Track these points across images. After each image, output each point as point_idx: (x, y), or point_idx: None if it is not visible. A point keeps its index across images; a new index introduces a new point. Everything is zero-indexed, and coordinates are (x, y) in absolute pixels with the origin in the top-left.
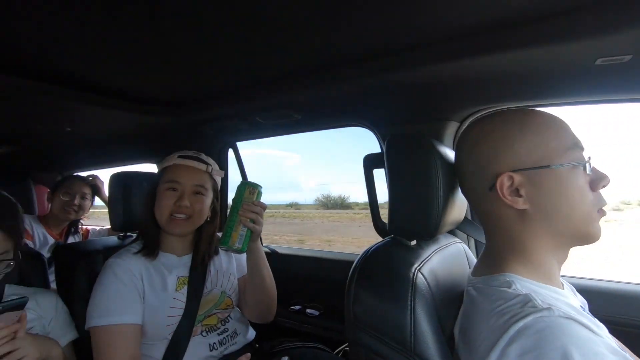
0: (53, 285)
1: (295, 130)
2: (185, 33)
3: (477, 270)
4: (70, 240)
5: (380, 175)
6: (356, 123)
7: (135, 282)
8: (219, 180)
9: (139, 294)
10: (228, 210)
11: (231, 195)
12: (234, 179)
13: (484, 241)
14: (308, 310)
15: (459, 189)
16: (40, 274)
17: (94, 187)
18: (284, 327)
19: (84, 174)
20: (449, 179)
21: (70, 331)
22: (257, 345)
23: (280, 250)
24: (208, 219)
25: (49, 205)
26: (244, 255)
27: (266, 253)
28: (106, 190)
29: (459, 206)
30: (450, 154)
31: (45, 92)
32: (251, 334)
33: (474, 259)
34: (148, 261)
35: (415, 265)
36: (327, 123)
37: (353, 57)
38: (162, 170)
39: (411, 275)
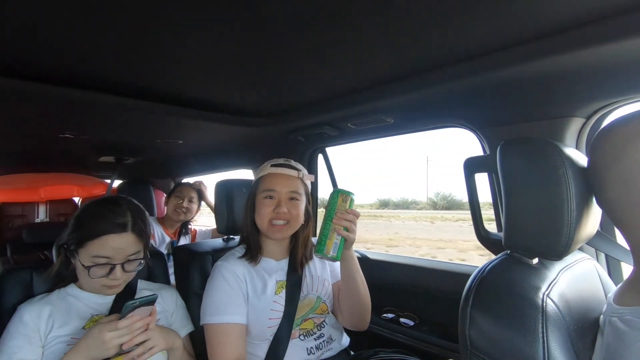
0: (171, 279)
1: (387, 134)
2: (283, 47)
3: (623, 298)
4: (182, 239)
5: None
6: (455, 124)
7: (241, 285)
8: (309, 184)
9: (243, 296)
10: (320, 217)
11: (321, 199)
12: (324, 184)
13: (620, 258)
14: (402, 320)
15: (593, 198)
16: (162, 271)
17: (199, 191)
18: (377, 335)
19: (192, 179)
20: (581, 187)
21: (187, 324)
22: (351, 353)
23: (370, 256)
24: (303, 223)
25: (165, 208)
26: (337, 262)
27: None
28: (209, 195)
29: (593, 218)
30: (578, 156)
31: (163, 111)
32: (345, 340)
33: (607, 279)
34: (251, 265)
35: (543, 290)
36: (421, 125)
37: (459, 56)
38: (257, 180)
39: (540, 301)
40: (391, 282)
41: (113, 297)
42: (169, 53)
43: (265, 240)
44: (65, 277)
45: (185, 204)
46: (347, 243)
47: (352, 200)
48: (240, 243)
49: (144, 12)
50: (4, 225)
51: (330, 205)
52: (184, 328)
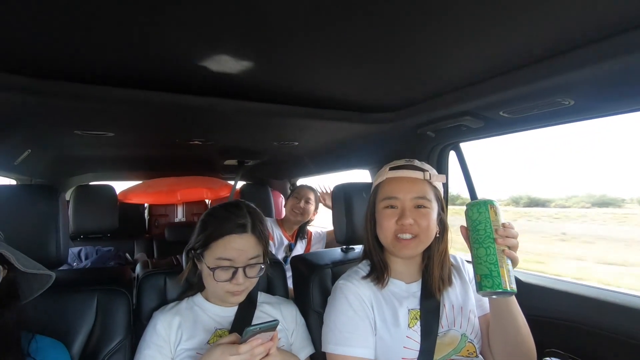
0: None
1: (558, 121)
2: (413, 26)
3: None
4: (299, 243)
5: None
6: None
7: (367, 311)
8: (440, 187)
9: (371, 325)
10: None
11: (454, 207)
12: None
13: None
14: None
15: None
16: (281, 283)
17: (316, 194)
18: None
19: (307, 180)
20: None
21: (308, 345)
22: None
23: (524, 279)
24: (437, 235)
25: (283, 210)
26: None
27: None
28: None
29: None
30: None
31: (282, 112)
32: None
33: None
34: (377, 288)
35: None
36: (621, 105)
37: None
38: (376, 187)
39: None
40: (557, 315)
41: (235, 309)
42: (291, 53)
43: (391, 257)
44: (193, 285)
45: (301, 204)
46: (513, 268)
47: (500, 212)
48: (363, 258)
49: (267, 13)
50: (152, 224)
51: (483, 223)
52: (304, 349)
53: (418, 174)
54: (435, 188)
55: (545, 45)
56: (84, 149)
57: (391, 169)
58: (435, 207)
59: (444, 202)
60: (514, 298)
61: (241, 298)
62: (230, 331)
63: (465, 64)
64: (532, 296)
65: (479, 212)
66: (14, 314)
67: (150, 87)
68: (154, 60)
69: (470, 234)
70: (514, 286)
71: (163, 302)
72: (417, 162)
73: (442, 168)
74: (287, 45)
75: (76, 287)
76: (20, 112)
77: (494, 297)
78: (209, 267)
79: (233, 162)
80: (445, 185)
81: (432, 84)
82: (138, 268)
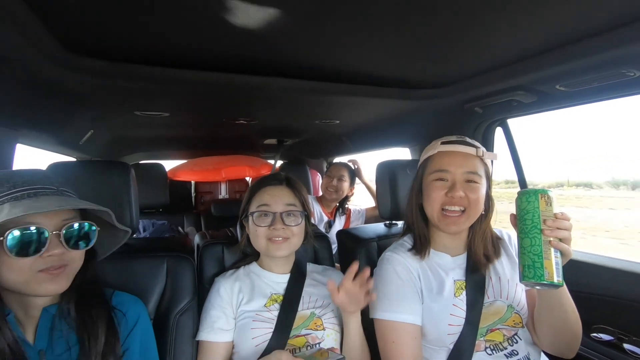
0: None
1: (620, 94)
2: (463, 4)
3: None
4: (337, 219)
5: None
6: None
7: (414, 281)
8: (490, 165)
9: (418, 294)
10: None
11: (499, 188)
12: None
13: None
14: (627, 347)
15: None
16: (327, 254)
17: (351, 170)
18: None
19: (344, 158)
20: None
21: None
22: None
23: (576, 256)
24: (482, 212)
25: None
26: None
27: None
28: (365, 172)
29: None
30: None
31: (325, 90)
32: None
33: None
34: (423, 260)
35: None
36: None
37: None
38: (425, 161)
39: None
40: (609, 293)
41: (288, 277)
42: (337, 29)
43: (437, 231)
44: (248, 255)
45: (335, 182)
46: (563, 260)
47: (554, 202)
48: (405, 232)
49: None
50: (198, 200)
51: (530, 213)
52: None
53: (471, 150)
54: (485, 165)
55: (609, 16)
56: (138, 129)
57: (443, 143)
58: (484, 183)
59: (491, 180)
60: (563, 289)
61: (284, 252)
62: (284, 296)
63: (521, 36)
64: (579, 273)
65: (528, 201)
66: (94, 269)
67: (206, 68)
68: (211, 42)
69: (518, 223)
70: (560, 279)
71: (222, 269)
72: (468, 139)
73: (487, 146)
74: (333, 21)
75: (149, 253)
76: (89, 93)
77: (537, 287)
78: (251, 213)
79: (272, 141)
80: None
81: (484, 58)
82: (197, 239)
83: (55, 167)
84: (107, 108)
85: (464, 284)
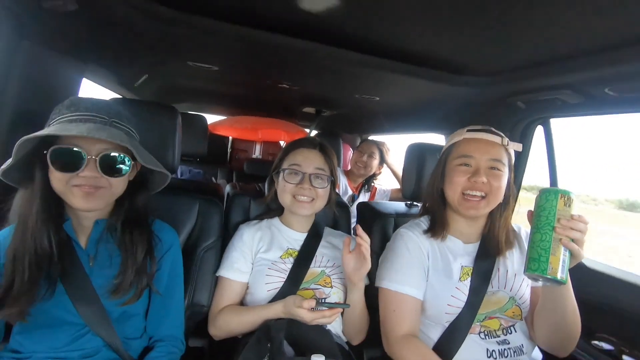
0: None
1: None
2: None
3: None
4: (362, 195)
5: None
6: None
7: (423, 259)
8: (513, 155)
9: (424, 271)
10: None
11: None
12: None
13: None
14: (626, 359)
15: None
16: (345, 222)
17: (381, 150)
18: None
19: (379, 137)
20: None
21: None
22: None
23: (588, 264)
24: (503, 201)
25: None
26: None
27: None
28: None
29: None
30: None
31: (369, 63)
32: (537, 355)
33: None
34: (435, 242)
35: None
36: None
37: None
38: (450, 146)
39: None
40: (615, 303)
41: (305, 235)
42: (390, 3)
43: (454, 216)
44: (272, 210)
45: (364, 158)
46: (573, 261)
47: (575, 204)
48: (422, 213)
49: None
50: (233, 156)
51: (547, 210)
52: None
53: (496, 138)
54: (509, 155)
55: None
56: (188, 79)
57: (469, 130)
58: (507, 172)
59: (513, 170)
60: (567, 289)
61: (307, 211)
62: (299, 252)
63: (576, 33)
64: (589, 280)
65: (547, 199)
66: (145, 201)
67: (259, 27)
68: (266, 3)
69: (533, 219)
70: (563, 276)
71: (247, 218)
72: (493, 129)
73: (526, 143)
74: None
75: (185, 192)
76: (150, 37)
77: (539, 281)
78: (283, 170)
79: (311, 110)
80: (524, 160)
81: (535, 50)
82: (228, 188)
83: (115, 101)
84: (164, 54)
85: (471, 270)
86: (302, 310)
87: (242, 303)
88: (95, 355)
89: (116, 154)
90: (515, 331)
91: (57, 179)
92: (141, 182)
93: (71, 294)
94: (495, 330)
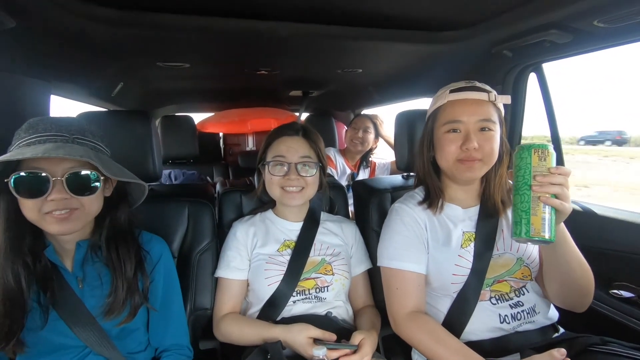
0: (350, 209)
1: None
2: None
3: None
4: (362, 172)
5: None
6: None
7: (421, 231)
8: (502, 108)
9: (423, 244)
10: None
11: (526, 134)
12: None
13: None
14: None
15: None
16: (343, 204)
17: (374, 123)
18: (601, 316)
19: (371, 111)
20: None
21: (366, 260)
22: (561, 330)
23: (598, 211)
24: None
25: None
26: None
27: (575, 211)
28: (386, 129)
29: None
30: None
31: (344, 35)
32: (553, 314)
33: None
34: (432, 212)
35: None
36: None
37: None
38: (434, 112)
39: None
40: (633, 250)
41: (301, 224)
42: None
43: (449, 183)
44: (265, 203)
45: (360, 134)
46: (559, 216)
47: (552, 155)
48: (417, 184)
49: None
50: (227, 152)
51: (522, 169)
52: (362, 264)
53: (482, 95)
54: (498, 110)
55: None
56: (165, 82)
57: (452, 91)
58: (498, 129)
59: (505, 123)
60: (564, 245)
61: (297, 201)
62: (296, 242)
63: None
64: (603, 228)
65: (521, 157)
66: (126, 215)
67: (219, 14)
68: None
69: (513, 180)
70: (549, 235)
71: (240, 214)
72: (477, 84)
73: (519, 93)
74: None
75: (172, 198)
76: (108, 43)
77: (529, 243)
78: (267, 163)
79: (298, 93)
80: (520, 111)
81: None
82: (218, 186)
83: (80, 116)
84: (131, 59)
85: (473, 235)
86: (307, 348)
87: (246, 301)
88: None
89: (85, 172)
90: (528, 292)
91: (28, 208)
92: (120, 196)
93: (65, 318)
94: (507, 293)
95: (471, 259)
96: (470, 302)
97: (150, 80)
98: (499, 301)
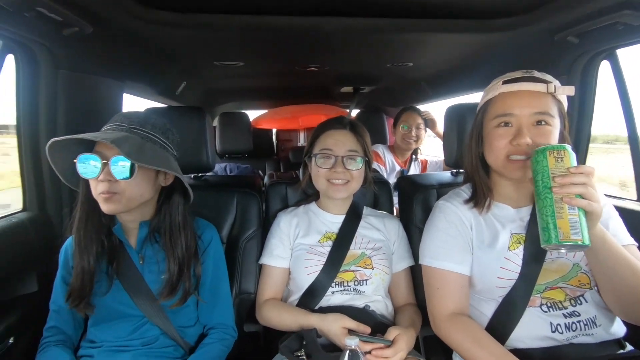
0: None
1: None
2: None
3: None
4: (412, 169)
5: None
6: None
7: (465, 231)
8: (565, 101)
9: (467, 244)
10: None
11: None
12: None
13: None
14: None
15: None
16: (387, 199)
17: (425, 119)
18: None
19: (422, 106)
20: None
21: (408, 257)
22: (628, 347)
23: None
24: None
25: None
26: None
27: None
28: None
29: None
30: None
31: (394, 28)
32: (618, 328)
33: None
34: (478, 211)
35: None
36: None
37: None
38: (485, 104)
39: None
40: None
41: (343, 217)
42: None
43: (499, 180)
44: (309, 195)
45: (413, 132)
46: (591, 218)
47: (570, 154)
48: (465, 181)
49: None
50: (279, 147)
51: (540, 173)
52: (404, 261)
53: (539, 86)
54: (559, 102)
55: None
56: (223, 80)
57: (505, 82)
58: (557, 124)
59: (567, 118)
60: (603, 249)
61: (342, 194)
62: (338, 234)
63: None
64: None
65: (537, 161)
66: (182, 203)
67: (269, 12)
68: None
69: (534, 188)
70: (580, 237)
71: (285, 205)
72: (536, 73)
73: (588, 84)
74: None
75: (223, 187)
76: (172, 45)
77: (561, 250)
78: (314, 155)
79: (349, 89)
80: (590, 104)
81: None
82: (266, 179)
83: (147, 111)
84: (191, 59)
85: (523, 237)
86: (340, 337)
87: (287, 288)
88: (155, 343)
89: (121, 158)
90: (586, 301)
91: (92, 187)
92: (177, 186)
93: (127, 288)
94: (560, 302)
95: (520, 262)
96: (517, 308)
97: (209, 79)
98: (550, 309)
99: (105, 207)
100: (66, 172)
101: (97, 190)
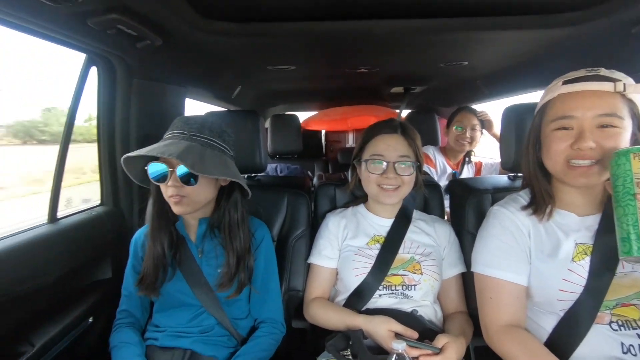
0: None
1: None
2: None
3: None
4: (465, 171)
5: None
6: None
7: (523, 239)
8: (638, 100)
9: (525, 253)
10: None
11: None
12: None
13: None
14: None
15: None
16: (438, 203)
17: (483, 122)
18: None
19: (477, 106)
20: None
21: (459, 264)
22: None
23: None
24: None
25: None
26: None
27: None
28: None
29: None
30: None
31: (448, 27)
32: None
33: None
34: (537, 219)
35: None
36: None
37: None
38: (544, 106)
39: None
40: None
41: (392, 221)
42: None
43: (561, 187)
44: (358, 197)
45: (468, 133)
46: None
47: None
48: (523, 186)
49: None
50: (328, 148)
51: (621, 177)
52: (455, 267)
53: (604, 86)
54: (630, 102)
55: None
56: (275, 83)
57: (565, 82)
58: (629, 126)
59: None
60: None
61: (393, 199)
62: (386, 238)
63: None
64: None
65: (617, 164)
66: (239, 203)
67: (319, 18)
68: None
69: (612, 191)
70: None
71: (333, 206)
72: (604, 71)
73: None
74: None
75: (274, 188)
76: (228, 52)
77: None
78: (365, 161)
79: (399, 89)
80: None
81: None
82: (315, 180)
83: (205, 115)
84: (246, 65)
85: (590, 248)
86: (387, 340)
87: (335, 288)
88: (211, 332)
89: (184, 167)
90: None
91: (162, 190)
92: (234, 186)
93: (187, 278)
94: (634, 320)
95: (585, 275)
96: (581, 324)
97: (262, 83)
98: (622, 328)
99: (175, 209)
100: (138, 173)
101: (167, 193)
